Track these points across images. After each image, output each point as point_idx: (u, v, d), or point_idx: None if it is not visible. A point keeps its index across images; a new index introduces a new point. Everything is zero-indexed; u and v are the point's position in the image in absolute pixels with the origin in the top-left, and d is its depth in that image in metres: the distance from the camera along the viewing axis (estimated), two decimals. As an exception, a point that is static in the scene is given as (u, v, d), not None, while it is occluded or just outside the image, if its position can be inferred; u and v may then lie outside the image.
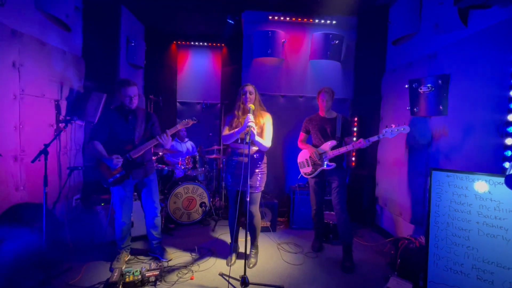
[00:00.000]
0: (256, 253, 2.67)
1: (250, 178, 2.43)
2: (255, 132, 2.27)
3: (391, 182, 3.30)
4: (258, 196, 2.53)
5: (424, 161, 2.75)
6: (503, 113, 1.84)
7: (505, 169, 1.80)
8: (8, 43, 2.37)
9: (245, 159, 2.35)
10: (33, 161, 2.13)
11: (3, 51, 2.32)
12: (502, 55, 1.92)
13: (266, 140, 2.43)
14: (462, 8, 2.25)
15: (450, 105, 2.46)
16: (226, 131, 2.47)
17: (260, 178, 2.49)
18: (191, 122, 2.48)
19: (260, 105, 2.52)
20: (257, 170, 2.48)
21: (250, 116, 2.22)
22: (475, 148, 2.18)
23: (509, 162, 1.74)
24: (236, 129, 2.38)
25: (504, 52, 1.91)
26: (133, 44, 3.93)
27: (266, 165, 2.57)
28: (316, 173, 2.78)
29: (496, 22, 2.04)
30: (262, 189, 2.54)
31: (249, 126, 2.16)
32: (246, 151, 2.29)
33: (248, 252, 2.63)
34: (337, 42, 3.81)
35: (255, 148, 2.45)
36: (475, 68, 2.21)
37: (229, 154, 2.56)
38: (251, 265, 2.56)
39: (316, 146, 2.80)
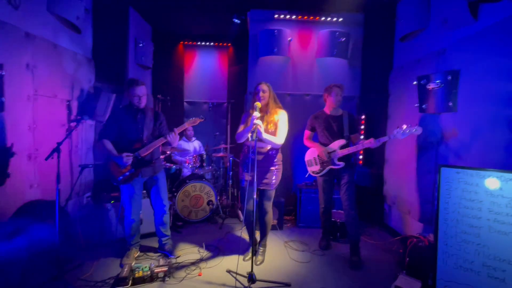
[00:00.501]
0: (264, 251, 2.69)
1: (265, 175, 2.46)
2: (261, 129, 2.28)
3: (400, 181, 3.26)
4: (272, 193, 2.56)
5: (433, 158, 2.71)
6: (514, 109, 1.81)
7: (517, 165, 1.76)
8: (22, 46, 2.45)
9: (259, 157, 2.38)
10: (46, 159, 2.20)
11: (17, 54, 2.41)
12: (513, 49, 1.88)
13: (279, 136, 2.42)
14: (472, 2, 2.21)
15: (459, 101, 2.42)
16: (240, 129, 2.50)
17: (275, 176, 2.50)
18: (198, 121, 2.51)
19: (275, 102, 2.52)
20: (272, 168, 2.49)
21: (256, 114, 2.23)
22: (486, 144, 2.14)
23: (521, 158, 1.71)
24: (245, 128, 2.41)
25: (515, 46, 1.87)
26: (141, 45, 3.99)
27: (281, 162, 2.58)
28: (324, 171, 2.77)
29: (507, 16, 1.99)
30: (276, 186, 2.55)
31: (255, 124, 2.18)
32: (260, 149, 2.35)
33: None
34: (343, 39, 3.79)
35: (268, 146, 2.46)
36: (485, 64, 2.17)
37: (245, 152, 2.57)
38: (258, 263, 2.57)
39: (324, 144, 2.79)
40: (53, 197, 2.68)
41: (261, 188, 2.51)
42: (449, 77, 2.44)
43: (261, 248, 2.68)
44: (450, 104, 2.46)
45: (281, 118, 2.48)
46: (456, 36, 2.50)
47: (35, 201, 2.58)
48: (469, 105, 2.33)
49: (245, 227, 2.76)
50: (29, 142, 2.55)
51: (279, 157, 2.56)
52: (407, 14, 3.13)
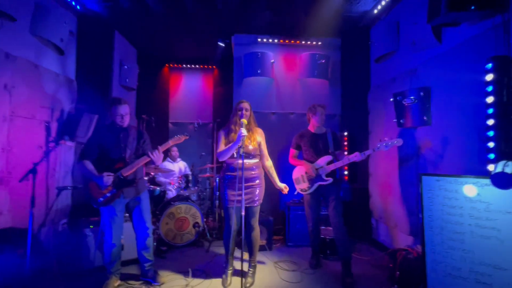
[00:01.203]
0: (254, 273, 2.58)
1: (249, 192, 2.42)
2: (250, 147, 2.33)
3: (384, 194, 3.33)
4: (257, 209, 2.53)
5: (414, 170, 2.81)
6: (482, 119, 1.94)
7: (490, 171, 1.86)
8: (1, 66, 2.40)
9: (240, 173, 2.36)
10: (20, 180, 2.08)
11: (-5, 74, 2.35)
12: (476, 65, 2.07)
13: (267, 156, 2.59)
14: (435, 26, 2.45)
15: (433, 115, 2.58)
16: (222, 147, 2.49)
17: (259, 192, 2.49)
18: (183, 138, 2.48)
19: (254, 121, 2.61)
20: (255, 183, 2.48)
21: (243, 130, 2.26)
22: (461, 154, 2.26)
23: (493, 163, 1.80)
24: (230, 144, 2.41)
25: (477, 63, 2.06)
26: (125, 67, 4.02)
27: (263, 178, 2.59)
28: (313, 188, 2.78)
29: (468, 37, 2.22)
30: (261, 202, 2.53)
31: (243, 137, 2.21)
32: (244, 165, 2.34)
33: (245, 269, 2.55)
34: (323, 61, 4.01)
35: (252, 162, 2.48)
36: (453, 79, 2.36)
37: (224, 169, 2.55)
38: (248, 285, 2.46)
39: (309, 162, 2.82)
40: (25, 225, 2.50)
41: (246, 205, 2.46)
42: (422, 93, 2.62)
43: (251, 269, 2.57)
44: (425, 118, 2.62)
45: (262, 136, 2.59)
46: (425, 57, 2.72)
47: (5, 229, 2.38)
48: (442, 118, 2.48)
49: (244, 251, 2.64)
50: (1, 165, 2.42)
51: (262, 172, 2.59)
52: (380, 38, 3.40)
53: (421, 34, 2.63)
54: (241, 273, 2.11)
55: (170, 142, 2.43)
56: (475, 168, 2.02)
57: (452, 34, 2.41)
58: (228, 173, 2.49)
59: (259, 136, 2.57)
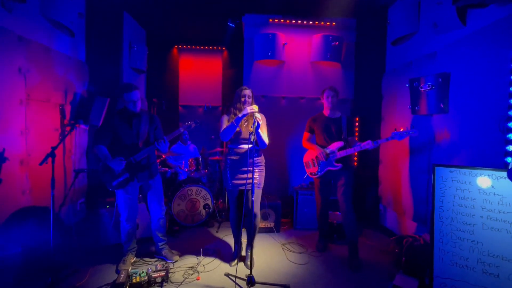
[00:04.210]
0: (252, 253, 2.66)
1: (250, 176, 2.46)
2: (260, 122, 2.31)
3: (394, 181, 3.32)
4: (259, 193, 2.57)
5: (426, 159, 2.77)
6: (503, 109, 1.87)
7: (507, 163, 1.82)
8: (14, 49, 2.42)
9: (240, 157, 2.38)
10: (41, 164, 2.16)
11: (10, 57, 2.37)
12: (501, 52, 1.96)
13: (265, 137, 2.51)
14: (460, 7, 2.29)
15: (451, 102, 2.49)
16: (224, 127, 2.48)
17: (259, 175, 2.51)
18: (193, 125, 2.52)
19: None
20: (256, 168, 2.50)
21: (254, 107, 2.31)
22: (477, 144, 2.20)
23: (511, 156, 1.76)
24: (234, 119, 2.40)
25: (503, 49, 1.94)
26: (135, 49, 3.97)
27: (264, 164, 2.60)
28: (322, 173, 2.79)
29: (494, 21, 2.08)
30: (262, 186, 2.56)
31: (254, 116, 2.22)
32: (243, 150, 2.42)
33: (244, 253, 2.68)
34: (337, 43, 3.85)
35: (248, 146, 2.46)
36: (475, 66, 2.24)
37: (227, 153, 2.56)
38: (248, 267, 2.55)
39: (322, 146, 2.81)
40: (45, 203, 2.64)
41: (248, 189, 2.49)
42: (440, 80, 2.52)
43: (248, 250, 2.61)
44: (442, 105, 2.53)
45: (263, 120, 2.55)
46: (446, 40, 2.58)
47: (28, 207, 2.52)
48: (460, 106, 2.40)
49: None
50: (21, 147, 2.51)
51: (262, 158, 2.59)
52: (398, 18, 3.22)
53: (444, 15, 2.47)
54: (246, 253, 2.17)
55: (181, 129, 2.48)
56: (491, 160, 1.98)
57: (477, 16, 2.26)
58: (230, 157, 2.51)
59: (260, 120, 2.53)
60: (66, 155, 3.05)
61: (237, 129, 2.42)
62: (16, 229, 2.29)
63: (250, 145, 2.27)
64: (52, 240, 2.20)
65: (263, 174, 2.57)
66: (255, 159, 2.46)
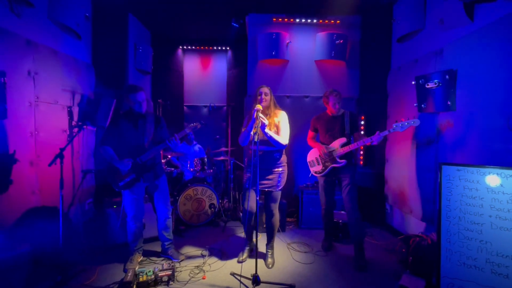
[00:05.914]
0: (273, 253, 2.68)
1: (269, 177, 2.48)
2: (266, 122, 2.29)
3: (400, 180, 3.28)
4: (278, 194, 2.57)
5: (433, 157, 2.73)
6: (512, 106, 1.83)
7: (517, 162, 1.78)
8: (23, 53, 2.47)
9: (262, 157, 2.38)
10: (50, 165, 2.20)
11: (19, 61, 2.43)
12: (510, 47, 1.91)
13: (283, 136, 2.46)
14: (468, 3, 2.25)
15: (458, 100, 2.45)
16: (242, 130, 2.52)
17: (280, 177, 2.52)
18: (199, 126, 2.53)
19: (275, 105, 2.59)
20: (275, 169, 2.50)
21: (258, 107, 2.28)
22: (485, 142, 2.16)
23: (521, 154, 1.73)
24: (247, 127, 2.42)
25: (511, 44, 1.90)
26: (140, 50, 4.02)
27: (286, 164, 2.59)
28: (326, 171, 2.77)
29: (503, 16, 2.03)
30: (282, 187, 2.56)
31: (258, 118, 2.18)
32: (261, 152, 2.41)
33: (260, 250, 2.66)
34: (341, 41, 3.82)
35: (272, 147, 2.48)
36: (483, 63, 2.20)
37: (250, 155, 2.55)
38: (270, 266, 2.57)
39: (325, 145, 2.81)
40: (54, 204, 2.70)
41: (266, 190, 2.52)
42: (447, 77, 2.48)
43: (269, 250, 2.67)
44: (449, 103, 2.49)
45: (282, 118, 2.52)
46: (453, 36, 2.53)
47: (38, 207, 2.58)
48: (468, 104, 2.35)
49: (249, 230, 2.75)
50: (31, 149, 2.56)
51: (284, 159, 2.58)
52: (404, 15, 3.17)
53: (451, 11, 2.43)
54: (255, 253, 2.17)
55: (187, 130, 2.49)
56: (500, 158, 1.93)
57: (485, 11, 2.21)
58: (252, 159, 2.51)
59: (278, 118, 2.51)
60: (74, 156, 3.11)
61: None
62: (26, 229, 2.34)
63: (255, 146, 2.26)
64: (61, 239, 2.25)
65: (284, 175, 2.56)
66: (276, 161, 2.49)
